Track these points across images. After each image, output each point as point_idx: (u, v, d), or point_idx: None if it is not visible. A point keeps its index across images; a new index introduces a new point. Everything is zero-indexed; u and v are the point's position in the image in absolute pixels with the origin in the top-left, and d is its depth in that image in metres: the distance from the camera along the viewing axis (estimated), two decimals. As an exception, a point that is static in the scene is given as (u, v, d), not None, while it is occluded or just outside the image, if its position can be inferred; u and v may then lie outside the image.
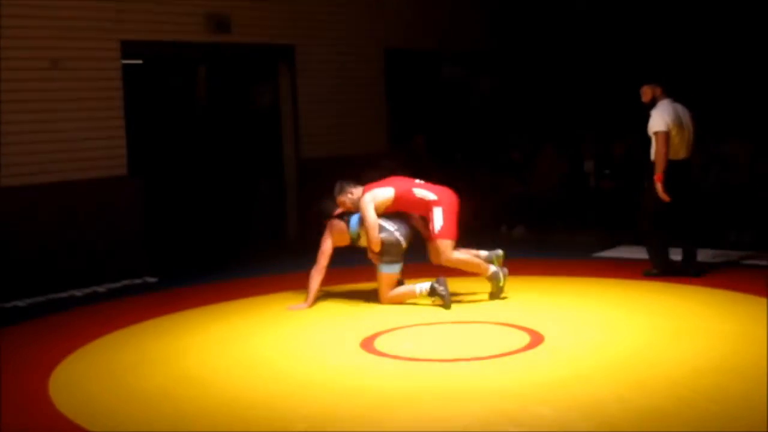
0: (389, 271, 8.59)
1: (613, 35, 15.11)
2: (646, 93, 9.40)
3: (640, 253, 10.34)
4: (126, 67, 11.06)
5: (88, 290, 10.09)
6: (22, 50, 10.01)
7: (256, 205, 13.67)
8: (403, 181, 8.86)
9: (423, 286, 8.52)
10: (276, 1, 12.57)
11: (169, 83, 14.79)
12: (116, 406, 6.10)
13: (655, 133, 9.18)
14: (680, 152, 9.28)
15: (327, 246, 8.77)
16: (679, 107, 9.35)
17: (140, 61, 12.74)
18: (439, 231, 8.55)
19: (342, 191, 8.85)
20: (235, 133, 14.44)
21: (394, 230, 8.56)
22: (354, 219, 8.73)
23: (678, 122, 9.23)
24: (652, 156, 9.24)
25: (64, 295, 9.89)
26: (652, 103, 9.34)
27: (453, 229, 8.61)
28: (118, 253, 10.71)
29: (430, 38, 14.78)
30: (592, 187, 13.11)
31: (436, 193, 8.68)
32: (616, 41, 15.07)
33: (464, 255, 8.65)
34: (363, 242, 8.70)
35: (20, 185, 9.96)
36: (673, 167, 9.16)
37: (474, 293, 8.76)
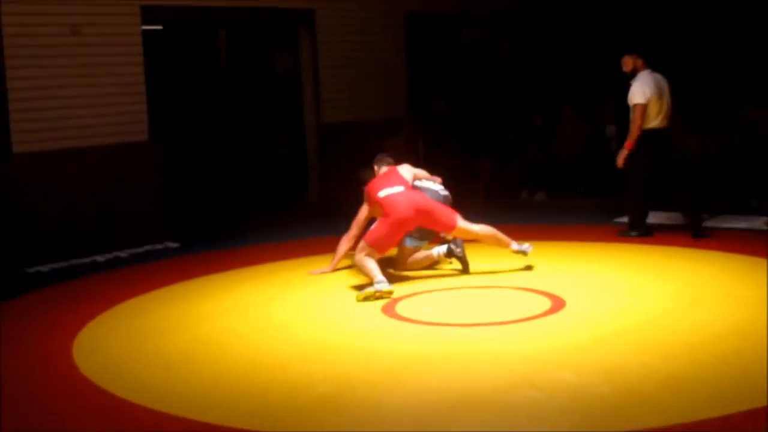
0: (412, 244, 8.57)
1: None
2: (627, 63, 9.74)
3: (660, 218, 10.32)
4: (146, 33, 11.05)
5: (109, 255, 10.14)
6: (42, 16, 10.01)
7: (275, 169, 13.67)
8: (393, 178, 8.49)
9: (440, 248, 8.53)
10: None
11: (189, 48, 14.78)
12: (138, 369, 6.15)
13: (634, 105, 9.53)
14: (660, 121, 9.63)
15: (362, 215, 8.63)
16: (660, 77, 9.70)
17: (160, 27, 12.71)
18: (368, 233, 8.09)
19: (379, 163, 8.73)
20: (255, 97, 14.44)
21: None
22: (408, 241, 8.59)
23: (658, 93, 9.58)
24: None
25: (86, 260, 9.95)
26: (633, 74, 9.68)
27: (382, 241, 7.98)
28: (140, 219, 10.75)
29: (450, 1, 14.68)
30: (614, 152, 13.00)
31: (392, 207, 8.03)
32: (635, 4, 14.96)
33: (371, 264, 7.85)
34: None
35: (41, 151, 9.99)
36: (652, 136, 9.56)
37: (497, 258, 8.74)
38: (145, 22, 10.97)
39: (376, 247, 7.94)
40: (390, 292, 7.61)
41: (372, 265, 7.79)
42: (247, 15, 12.52)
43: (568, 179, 13.08)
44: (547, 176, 13.16)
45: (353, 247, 8.37)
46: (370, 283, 7.68)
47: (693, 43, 14.37)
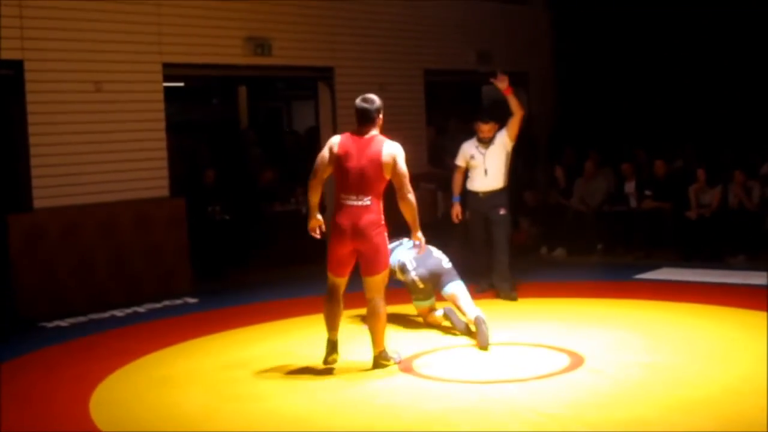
0: (420, 305, 8.56)
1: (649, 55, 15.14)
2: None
3: (682, 275, 10.28)
4: (167, 89, 11.18)
5: (128, 310, 10.15)
6: (66, 73, 10.16)
7: (298, 224, 13.65)
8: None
9: (439, 312, 8.48)
10: (316, 24, 12.64)
11: (209, 103, 14.92)
12: (156, 425, 6.14)
13: None
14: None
15: None
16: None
17: (181, 84, 12.85)
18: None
19: None
20: (275, 153, 14.50)
21: (411, 270, 8.41)
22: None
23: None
24: None
25: (104, 315, 9.97)
26: None
27: (328, 259, 7.18)
28: (159, 274, 10.79)
29: (470, 58, 14.76)
30: (633, 208, 13.00)
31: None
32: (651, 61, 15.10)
33: (326, 304, 7.23)
34: (399, 276, 8.57)
35: (61, 206, 10.08)
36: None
37: (514, 315, 8.70)
38: (166, 80, 11.10)
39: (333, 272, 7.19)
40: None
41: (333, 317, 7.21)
42: (267, 72, 12.63)
43: (588, 234, 13.02)
44: (566, 230, 13.10)
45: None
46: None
47: (715, 99, 14.47)
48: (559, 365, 7.05)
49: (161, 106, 11.02)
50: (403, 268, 8.37)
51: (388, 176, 7.04)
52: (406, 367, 7.21)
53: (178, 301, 10.59)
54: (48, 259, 9.99)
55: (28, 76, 9.86)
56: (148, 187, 10.87)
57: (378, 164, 6.98)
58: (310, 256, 12.86)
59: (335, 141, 7.08)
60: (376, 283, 7.07)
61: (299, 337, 8.47)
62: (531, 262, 12.24)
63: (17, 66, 9.82)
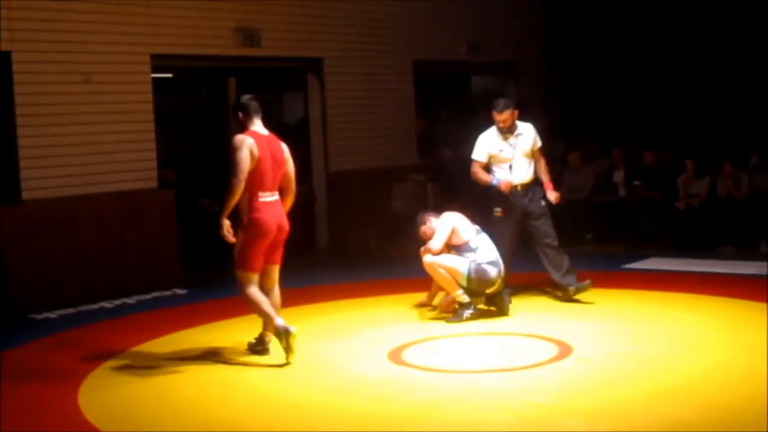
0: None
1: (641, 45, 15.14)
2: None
3: (670, 264, 10.30)
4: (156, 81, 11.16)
5: (117, 302, 10.15)
6: (54, 64, 10.13)
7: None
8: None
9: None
10: (305, 15, 12.62)
11: (199, 95, 14.88)
12: (145, 415, 6.15)
13: None
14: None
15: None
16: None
17: (170, 75, 12.82)
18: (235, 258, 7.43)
19: (422, 221, 8.82)
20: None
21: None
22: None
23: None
24: None
25: (94, 306, 9.96)
26: None
27: (248, 258, 7.31)
28: (148, 266, 10.79)
29: (459, 48, 14.76)
30: (623, 198, 13.03)
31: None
32: (642, 50, 15.11)
33: (261, 298, 7.36)
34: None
35: (50, 197, 10.06)
36: None
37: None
38: (155, 71, 11.07)
39: (249, 269, 7.34)
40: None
41: (266, 307, 7.31)
42: (256, 63, 12.61)
43: (577, 223, 13.04)
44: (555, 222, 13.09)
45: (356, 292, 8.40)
46: None
47: (706, 90, 14.51)
48: (547, 355, 7.07)
49: (150, 97, 11.00)
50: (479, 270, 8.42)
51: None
52: (395, 357, 7.22)
53: (168, 293, 10.58)
54: (38, 251, 9.97)
55: (15, 67, 9.83)
56: (136, 178, 10.85)
57: (284, 160, 7.43)
58: (298, 246, 12.92)
59: (251, 142, 7.21)
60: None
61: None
62: (519, 251, 12.25)
63: (5, 57, 9.79)
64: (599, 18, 15.49)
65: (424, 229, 8.76)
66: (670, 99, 14.83)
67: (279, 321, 7.14)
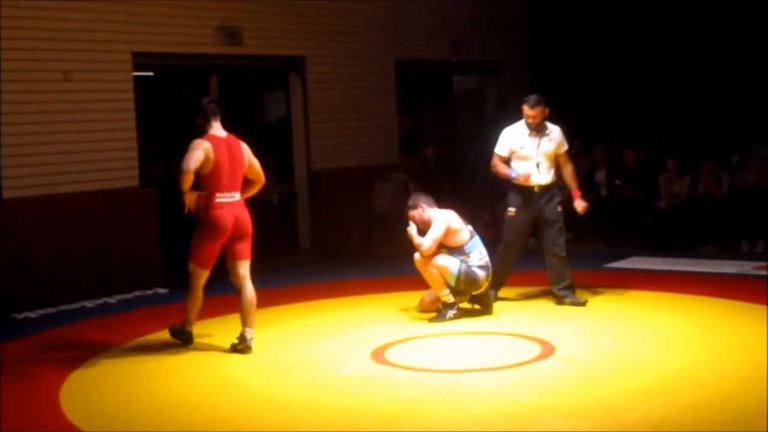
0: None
1: (625, 43, 15.17)
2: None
3: (652, 263, 10.33)
4: (137, 79, 11.11)
5: (99, 301, 10.10)
6: (35, 62, 10.06)
7: (267, 214, 13.63)
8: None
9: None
10: (287, 13, 12.59)
11: (180, 93, 14.82)
12: (127, 415, 6.13)
13: None
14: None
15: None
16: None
17: (151, 73, 12.77)
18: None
19: (414, 205, 8.63)
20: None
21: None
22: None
23: None
24: None
25: (75, 306, 9.91)
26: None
27: (199, 253, 7.73)
28: (130, 265, 10.73)
29: (442, 48, 14.76)
30: (603, 197, 13.07)
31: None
32: (625, 49, 15.13)
33: (195, 299, 7.81)
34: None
35: (32, 196, 10.00)
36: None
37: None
38: (136, 69, 11.03)
39: (200, 265, 7.80)
40: None
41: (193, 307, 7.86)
42: (238, 62, 12.58)
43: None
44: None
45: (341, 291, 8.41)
46: None
47: (690, 89, 14.55)
48: (530, 354, 7.09)
49: (131, 95, 10.95)
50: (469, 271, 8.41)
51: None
52: (378, 356, 7.22)
53: (149, 292, 10.54)
54: (18, 250, 9.90)
55: (-4, 65, 9.77)
56: (118, 177, 10.80)
57: (243, 160, 7.68)
58: (280, 246, 12.90)
59: (208, 146, 7.44)
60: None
61: (271, 326, 8.46)
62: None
63: (-16, 55, 9.74)
64: (582, 17, 15.50)
65: (413, 213, 8.57)
66: (654, 98, 14.86)
67: (188, 327, 7.76)
